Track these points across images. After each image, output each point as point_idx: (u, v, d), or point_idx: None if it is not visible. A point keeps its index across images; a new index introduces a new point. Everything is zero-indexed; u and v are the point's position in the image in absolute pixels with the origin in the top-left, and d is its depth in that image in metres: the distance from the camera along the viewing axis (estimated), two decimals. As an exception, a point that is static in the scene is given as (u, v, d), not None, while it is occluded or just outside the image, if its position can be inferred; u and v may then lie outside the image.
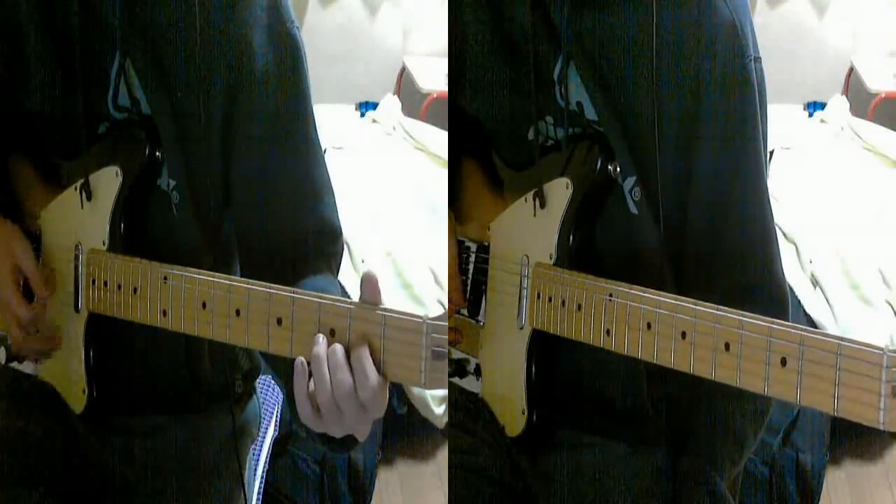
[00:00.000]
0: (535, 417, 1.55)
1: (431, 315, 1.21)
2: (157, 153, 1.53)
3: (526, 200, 1.56)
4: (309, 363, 1.26)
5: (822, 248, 3.07)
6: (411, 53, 3.79)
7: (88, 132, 1.55)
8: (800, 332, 1.16)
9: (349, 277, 2.94)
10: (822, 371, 1.13)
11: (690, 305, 1.28)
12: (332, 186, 1.58)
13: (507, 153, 1.62)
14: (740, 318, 1.22)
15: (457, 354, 1.65)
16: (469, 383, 1.64)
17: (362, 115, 3.55)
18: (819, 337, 1.14)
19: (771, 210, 1.52)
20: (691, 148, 1.48)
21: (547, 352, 1.54)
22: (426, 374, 1.20)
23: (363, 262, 3.09)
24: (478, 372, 1.63)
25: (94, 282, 1.52)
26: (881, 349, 1.08)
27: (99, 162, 1.54)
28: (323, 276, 1.54)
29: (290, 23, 1.53)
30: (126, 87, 1.53)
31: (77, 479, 1.63)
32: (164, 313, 1.43)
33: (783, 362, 1.17)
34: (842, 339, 1.12)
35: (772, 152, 3.18)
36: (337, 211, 1.58)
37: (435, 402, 3.05)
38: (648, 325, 1.33)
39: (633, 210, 1.50)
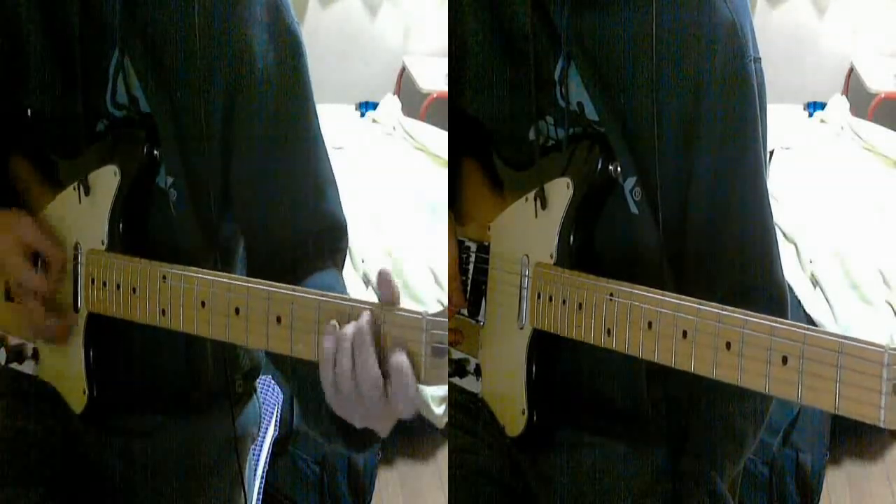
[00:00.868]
0: (535, 417, 1.55)
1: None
2: (156, 152, 1.53)
3: (526, 200, 1.56)
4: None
5: (822, 248, 3.07)
6: (411, 53, 3.79)
7: (87, 130, 1.55)
8: (801, 330, 1.16)
9: (349, 277, 2.94)
10: (824, 370, 1.13)
11: (691, 305, 1.28)
12: (335, 182, 1.57)
13: (507, 153, 1.62)
14: (742, 316, 1.22)
15: (457, 354, 1.65)
16: (469, 383, 1.64)
17: (362, 115, 3.54)
18: (820, 336, 1.14)
19: (771, 210, 1.52)
20: (691, 148, 1.48)
21: (547, 352, 1.54)
22: (426, 370, 1.20)
23: (363, 261, 3.09)
24: (478, 372, 1.63)
25: (93, 281, 1.52)
26: (882, 348, 1.09)
27: (97, 161, 1.54)
28: (328, 273, 1.54)
29: (290, 20, 1.52)
30: (124, 85, 1.53)
31: (77, 479, 1.63)
32: (164, 313, 1.43)
33: (784, 361, 1.17)
34: (843, 337, 1.12)
35: (772, 152, 3.18)
36: (341, 206, 1.58)
37: (435, 402, 3.04)
38: (649, 325, 1.33)
39: (634, 210, 1.50)
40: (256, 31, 1.50)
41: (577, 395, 1.58)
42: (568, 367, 1.56)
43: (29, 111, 1.58)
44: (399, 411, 1.23)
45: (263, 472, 2.07)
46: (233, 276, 1.38)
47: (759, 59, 1.49)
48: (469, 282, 1.65)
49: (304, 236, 1.55)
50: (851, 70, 3.69)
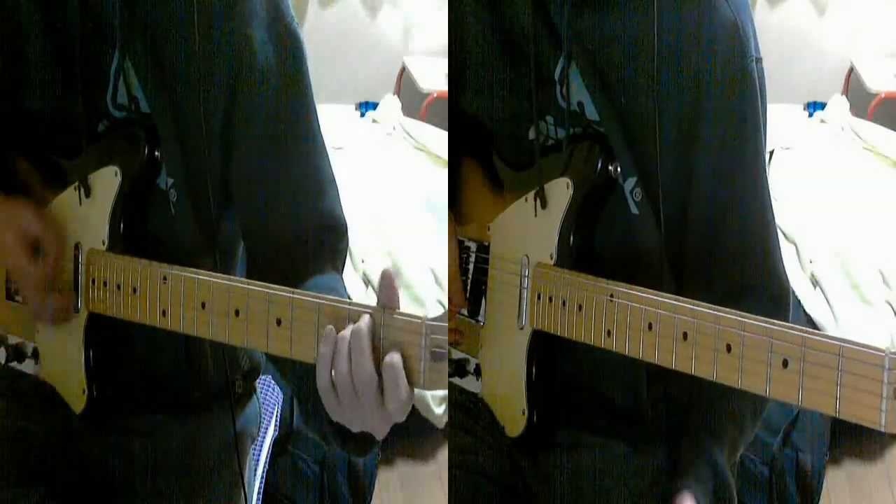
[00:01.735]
0: (535, 417, 1.55)
1: (431, 315, 1.20)
2: (157, 152, 1.53)
3: (526, 200, 1.55)
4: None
5: (822, 248, 3.07)
6: (411, 53, 3.79)
7: (88, 131, 1.55)
8: (801, 333, 1.16)
9: (349, 277, 2.94)
10: (824, 373, 1.13)
11: (692, 306, 1.28)
12: (335, 181, 1.57)
13: (507, 153, 1.62)
14: (742, 319, 1.22)
15: (457, 354, 1.65)
16: (469, 383, 1.64)
17: (362, 115, 3.54)
18: (821, 339, 1.14)
19: (772, 209, 1.52)
20: (692, 148, 1.48)
21: (547, 352, 1.54)
22: (426, 375, 1.20)
23: (363, 261, 3.09)
24: (478, 372, 1.63)
25: (93, 282, 1.52)
26: (883, 351, 1.08)
27: (98, 161, 1.54)
28: (328, 275, 1.54)
29: (290, 19, 1.52)
30: (125, 85, 1.53)
31: (77, 479, 1.63)
32: (164, 313, 1.43)
33: (784, 364, 1.17)
34: (843, 340, 1.12)
35: (772, 152, 3.18)
36: (341, 205, 1.57)
37: (435, 402, 3.05)
38: (650, 326, 1.33)
39: (634, 210, 1.50)
40: (256, 31, 1.50)
41: (577, 395, 1.58)
42: (568, 367, 1.56)
43: (29, 111, 1.58)
44: (392, 411, 1.23)
45: (263, 472, 2.07)
46: (233, 277, 1.38)
47: (761, 59, 1.48)
48: (469, 282, 1.65)
49: (305, 235, 1.55)
50: (851, 70, 3.69)
